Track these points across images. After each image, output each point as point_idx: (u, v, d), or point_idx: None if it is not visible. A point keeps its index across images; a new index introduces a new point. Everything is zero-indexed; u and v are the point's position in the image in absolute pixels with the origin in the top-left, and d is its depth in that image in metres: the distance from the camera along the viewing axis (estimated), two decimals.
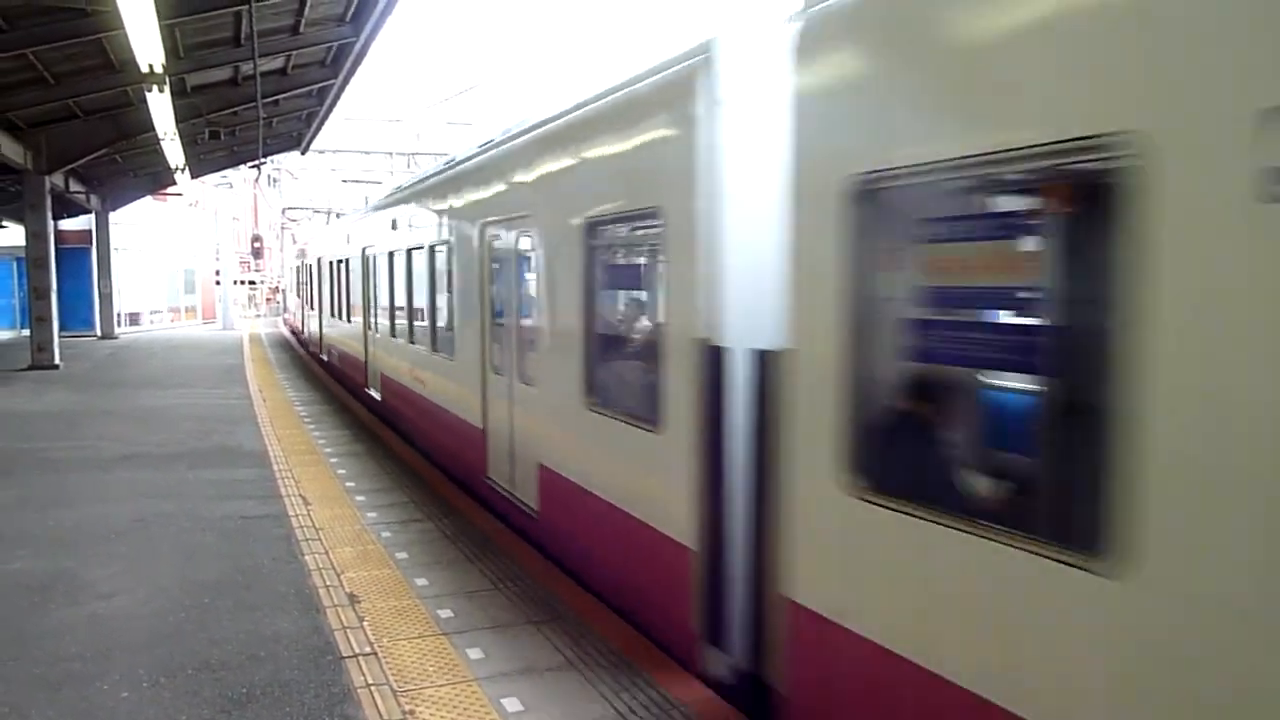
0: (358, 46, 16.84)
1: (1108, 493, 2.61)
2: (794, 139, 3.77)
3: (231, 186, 37.04)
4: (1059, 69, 2.76)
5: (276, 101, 20.36)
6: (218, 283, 37.84)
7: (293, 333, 29.87)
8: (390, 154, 34.15)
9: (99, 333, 29.17)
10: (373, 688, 4.65)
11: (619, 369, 5.60)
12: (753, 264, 4.29)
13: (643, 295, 5.61)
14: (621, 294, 5.88)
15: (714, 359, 4.45)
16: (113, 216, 29.30)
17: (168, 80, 10.92)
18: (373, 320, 13.59)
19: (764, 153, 4.18)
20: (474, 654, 5.04)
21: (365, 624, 5.46)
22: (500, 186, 7.37)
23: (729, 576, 4.57)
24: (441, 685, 4.68)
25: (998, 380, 3.28)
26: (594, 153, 5.60)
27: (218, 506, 8.21)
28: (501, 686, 4.65)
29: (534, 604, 5.78)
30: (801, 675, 3.88)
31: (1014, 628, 2.91)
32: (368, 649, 5.10)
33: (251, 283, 51.01)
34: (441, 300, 9.48)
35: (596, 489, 5.69)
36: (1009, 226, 3.13)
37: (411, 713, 4.40)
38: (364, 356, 14.32)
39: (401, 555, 6.83)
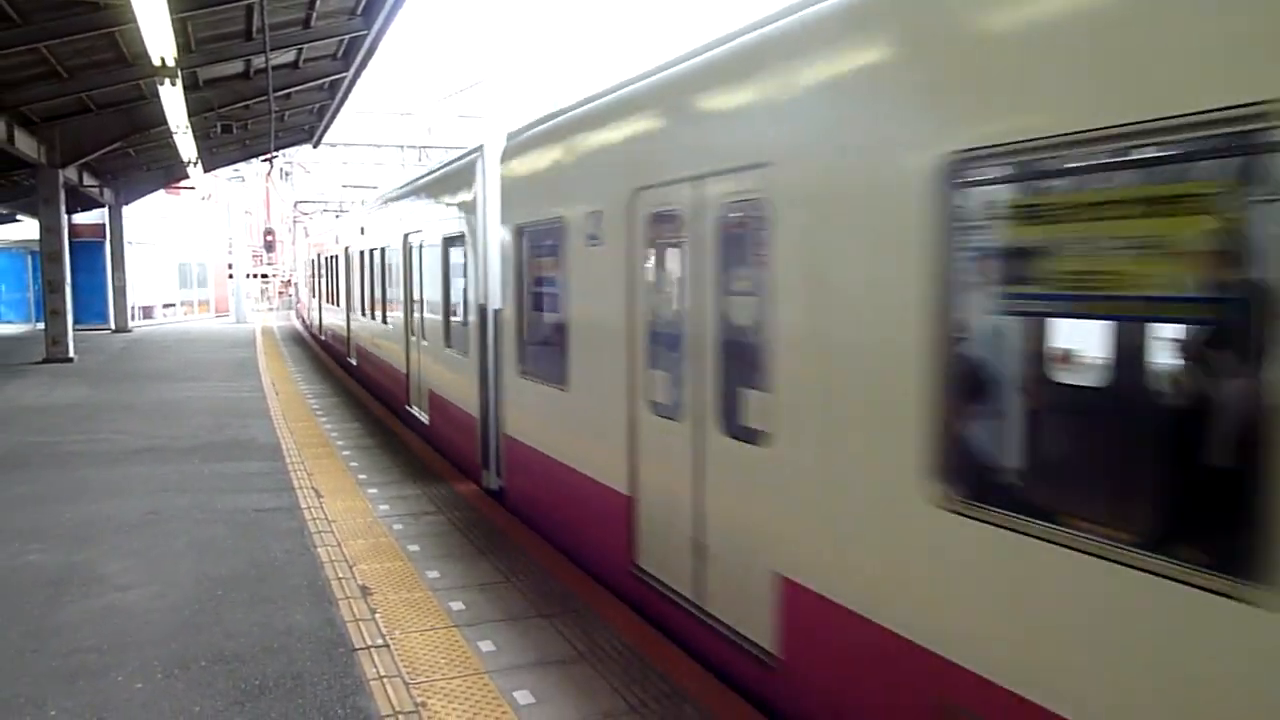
0: (369, 39, 16.84)
1: None
2: (500, 202, 7.67)
3: (244, 180, 36.96)
4: (579, 179, 6.16)
5: (288, 95, 20.38)
6: (230, 276, 37.84)
7: (305, 327, 30.00)
8: (401, 147, 34.17)
9: (113, 326, 29.29)
10: (385, 680, 4.67)
11: (452, 325, 9.60)
12: (497, 267, 8.03)
13: (462, 282, 9.03)
14: (455, 281, 9.42)
15: (484, 314, 8.39)
16: (126, 210, 29.38)
17: (179, 74, 10.94)
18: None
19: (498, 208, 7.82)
20: (485, 646, 5.06)
21: (377, 616, 5.48)
22: (386, 219, 12.83)
23: (490, 429, 8.44)
24: (453, 678, 4.70)
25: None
26: (438, 200, 9.96)
27: (231, 500, 8.25)
28: (513, 679, 4.66)
29: (545, 597, 5.79)
30: (511, 477, 7.72)
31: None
32: (380, 641, 5.12)
33: (264, 276, 50.99)
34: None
35: (446, 395, 9.80)
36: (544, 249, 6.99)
37: (423, 705, 4.41)
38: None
39: (413, 548, 6.85)
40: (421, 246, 10.68)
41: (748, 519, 4.35)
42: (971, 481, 3.24)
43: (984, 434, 3.47)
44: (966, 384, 3.35)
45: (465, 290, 8.80)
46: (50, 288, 19.58)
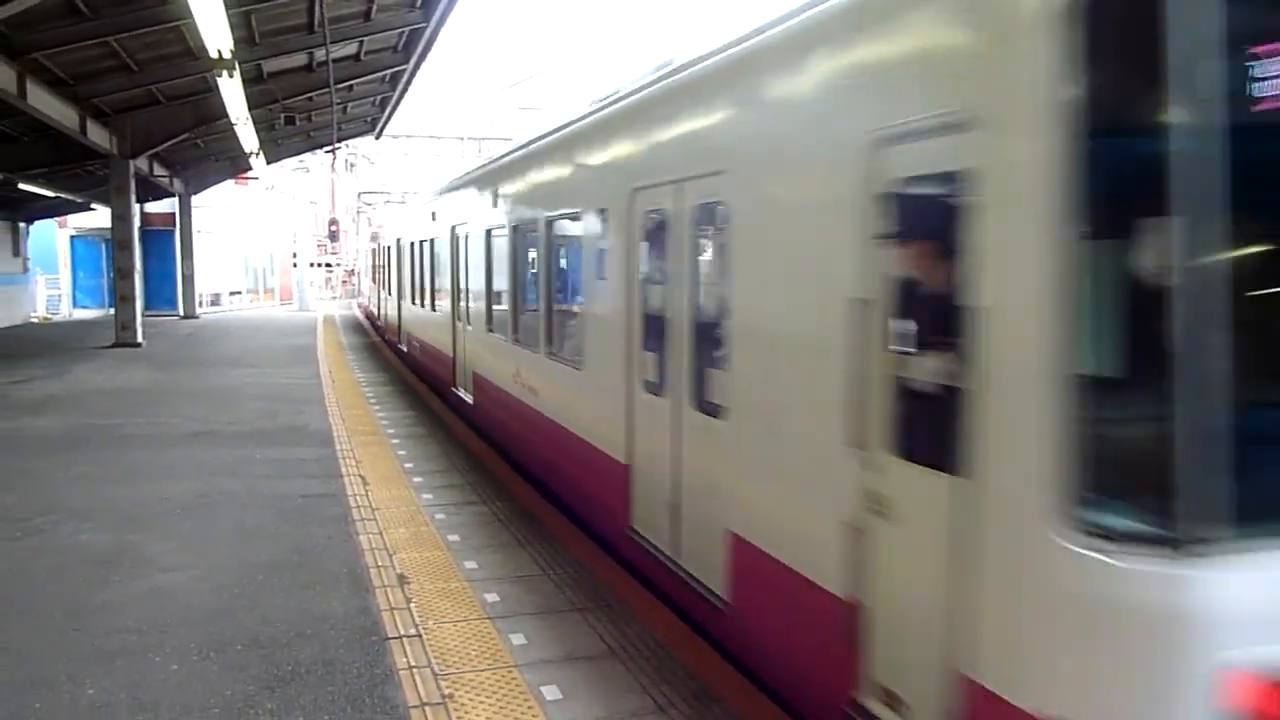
0: (428, 31, 16.97)
1: None
2: None
3: (309, 171, 37.72)
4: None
5: (350, 87, 20.64)
6: (294, 265, 38.50)
7: (365, 316, 30.45)
8: (461, 139, 34.46)
9: (181, 312, 30.05)
10: (414, 670, 4.66)
11: (494, 312, 9.90)
12: None
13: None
14: (497, 270, 9.74)
15: None
16: (195, 200, 30.09)
17: (237, 65, 11.10)
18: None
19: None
20: (517, 639, 5.03)
21: (412, 605, 5.48)
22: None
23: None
24: (482, 670, 4.67)
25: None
26: (481, 195, 10.14)
27: (280, 485, 8.35)
28: (542, 673, 4.62)
29: (581, 590, 5.75)
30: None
31: None
32: (413, 631, 5.12)
33: (328, 265, 51.68)
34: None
35: (488, 376, 10.22)
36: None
37: (450, 696, 4.39)
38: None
39: (453, 537, 6.86)
40: (467, 238, 11.02)
41: (710, 483, 4.84)
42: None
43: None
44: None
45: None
46: (120, 274, 20.11)
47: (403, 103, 23.80)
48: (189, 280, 29.82)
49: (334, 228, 45.97)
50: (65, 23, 13.13)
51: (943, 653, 3.04)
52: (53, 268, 32.86)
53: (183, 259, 29.78)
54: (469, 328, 11.11)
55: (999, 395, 2.77)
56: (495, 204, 9.42)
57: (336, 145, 28.48)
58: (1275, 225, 2.68)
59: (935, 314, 3.07)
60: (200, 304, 31.75)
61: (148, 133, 19.27)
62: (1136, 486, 2.51)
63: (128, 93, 17.39)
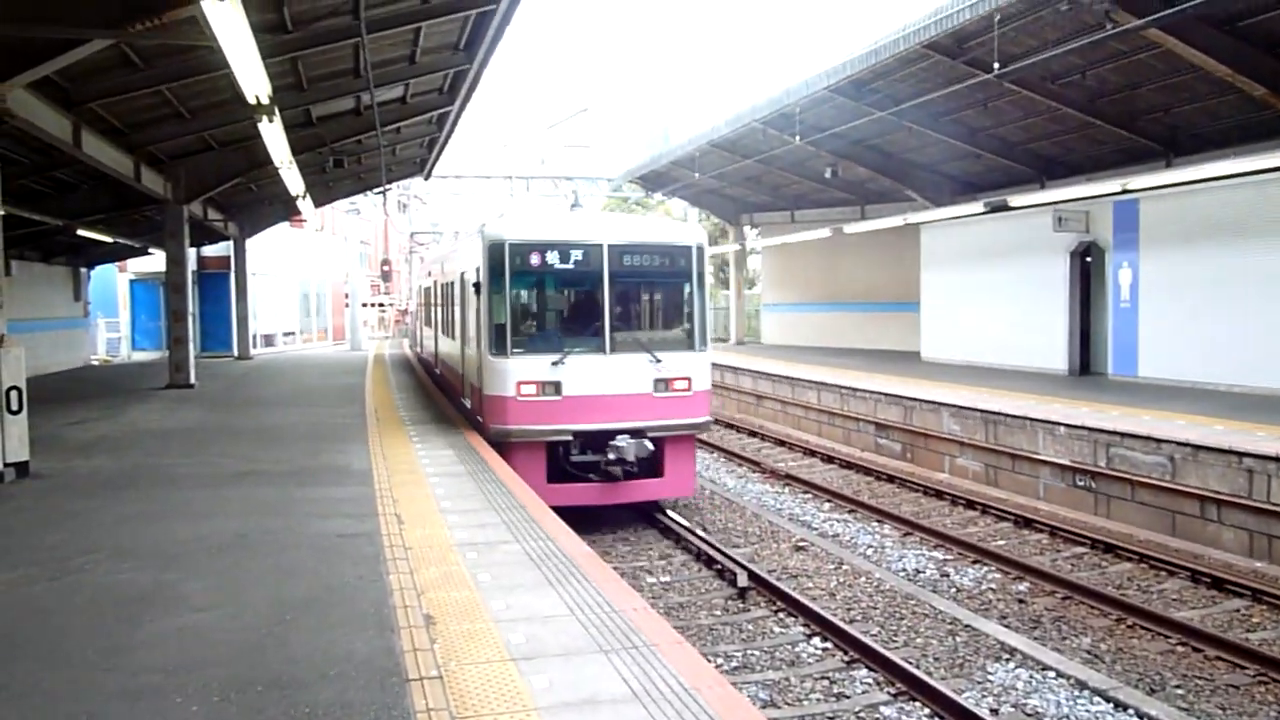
0: (471, 73, 17.27)
1: None
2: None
3: (360, 212, 37.99)
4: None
5: (398, 129, 21.04)
6: (347, 305, 38.90)
7: (415, 354, 30.88)
8: (509, 178, 35.03)
9: (235, 354, 30.55)
10: (432, 713, 4.63)
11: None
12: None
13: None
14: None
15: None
16: (250, 243, 30.73)
17: (278, 111, 11.37)
18: None
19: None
20: (539, 682, 4.98)
21: (436, 646, 5.47)
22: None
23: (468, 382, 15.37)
24: (500, 714, 4.63)
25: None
26: (468, 252, 14.79)
27: (317, 524, 8.42)
28: (560, 717, 4.56)
29: (607, 631, 5.69)
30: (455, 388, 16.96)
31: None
32: (434, 672, 5.10)
33: (381, 305, 52.27)
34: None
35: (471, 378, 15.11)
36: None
37: None
38: None
39: (484, 577, 6.85)
40: (452, 285, 16.84)
41: (465, 369, 14.44)
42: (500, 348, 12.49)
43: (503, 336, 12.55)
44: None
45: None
46: (174, 317, 20.61)
47: (450, 143, 24.18)
48: (243, 322, 30.36)
49: (386, 268, 46.86)
50: (119, 73, 13.59)
51: (475, 382, 13.54)
52: (113, 311, 33.83)
53: (237, 301, 30.41)
54: (452, 341, 16.93)
55: (483, 324, 12.68)
56: (444, 268, 18.53)
57: (387, 186, 29.11)
58: (526, 299, 13.00)
59: (476, 313, 13.25)
60: (254, 345, 32.27)
61: (200, 177, 19.82)
62: (501, 345, 12.31)
63: (180, 140, 17.92)
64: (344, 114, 19.13)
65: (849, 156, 23.94)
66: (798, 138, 21.92)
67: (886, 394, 18.04)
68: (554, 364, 12.26)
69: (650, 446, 12.25)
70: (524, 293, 12.80)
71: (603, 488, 12.43)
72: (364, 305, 42.28)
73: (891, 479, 15.72)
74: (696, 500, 14.40)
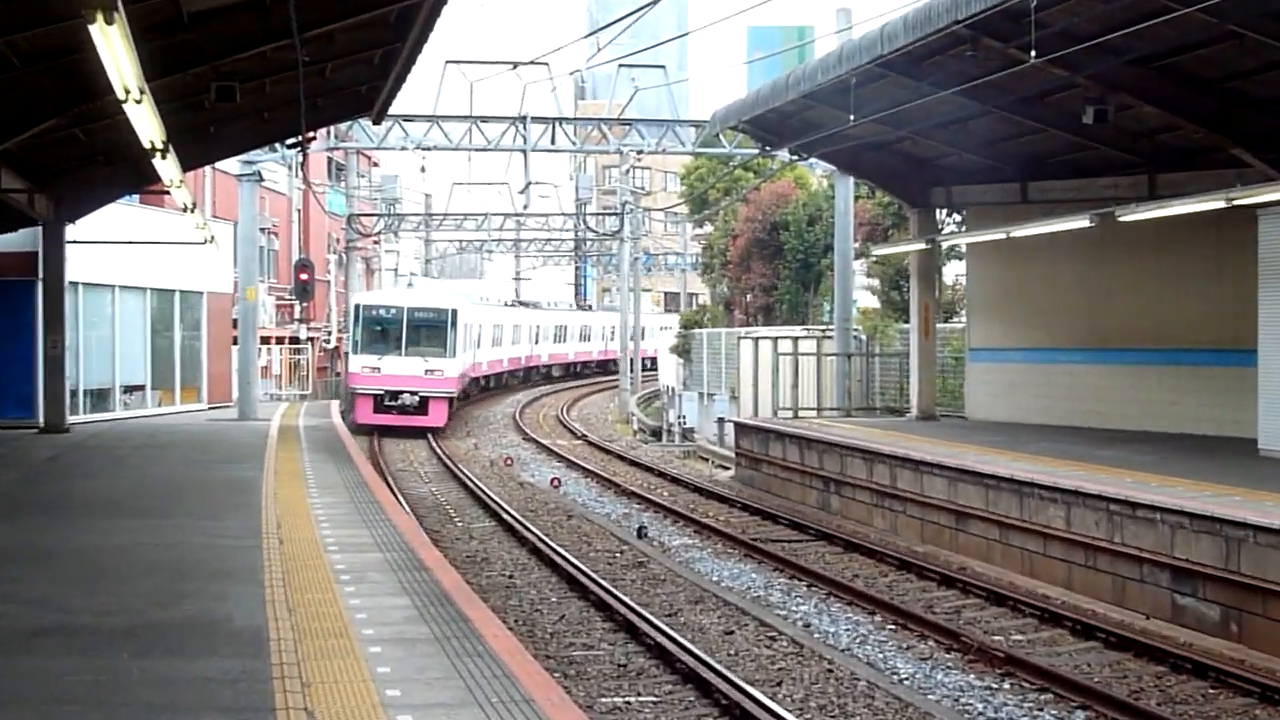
0: None
1: None
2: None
3: (260, 180, 24.55)
4: None
5: (329, 36, 13.17)
6: (234, 343, 25.72)
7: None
8: (522, 121, 24.31)
9: (41, 422, 19.07)
10: None
11: None
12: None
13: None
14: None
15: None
16: (73, 230, 19.00)
17: (119, 3, 6.19)
18: None
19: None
20: None
21: None
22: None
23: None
24: None
25: None
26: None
27: None
28: None
29: None
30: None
31: None
32: None
33: (295, 340, 36.50)
34: None
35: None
36: None
37: None
38: None
39: None
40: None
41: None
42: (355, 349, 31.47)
43: None
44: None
45: None
46: None
47: (423, 55, 13.41)
48: (56, 366, 18.64)
49: (304, 277, 29.03)
50: None
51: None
52: None
53: (47, 329, 18.53)
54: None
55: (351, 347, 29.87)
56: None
57: (309, 136, 18.11)
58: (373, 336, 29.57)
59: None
60: (76, 407, 20.67)
61: None
62: (355, 349, 29.94)
63: None
64: (237, 8, 11.99)
65: (1127, 87, 13.96)
66: (1033, 52, 12.19)
67: (1194, 515, 10.29)
68: (378, 358, 28.76)
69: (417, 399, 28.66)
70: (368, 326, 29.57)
71: (397, 417, 28.67)
72: (266, 342, 30.86)
73: (1203, 672, 8.94)
74: None
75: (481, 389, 43.79)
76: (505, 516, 16.36)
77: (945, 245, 22.95)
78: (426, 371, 29.19)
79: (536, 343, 51.51)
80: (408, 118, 24.53)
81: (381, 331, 29.46)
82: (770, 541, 14.62)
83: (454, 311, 30.14)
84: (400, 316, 29.62)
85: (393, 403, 28.78)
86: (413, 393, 28.82)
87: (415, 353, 29.06)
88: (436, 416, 29.45)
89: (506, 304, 50.33)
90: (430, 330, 29.73)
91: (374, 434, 28.06)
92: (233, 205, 27.48)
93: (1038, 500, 12.28)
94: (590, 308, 66.41)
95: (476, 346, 37.83)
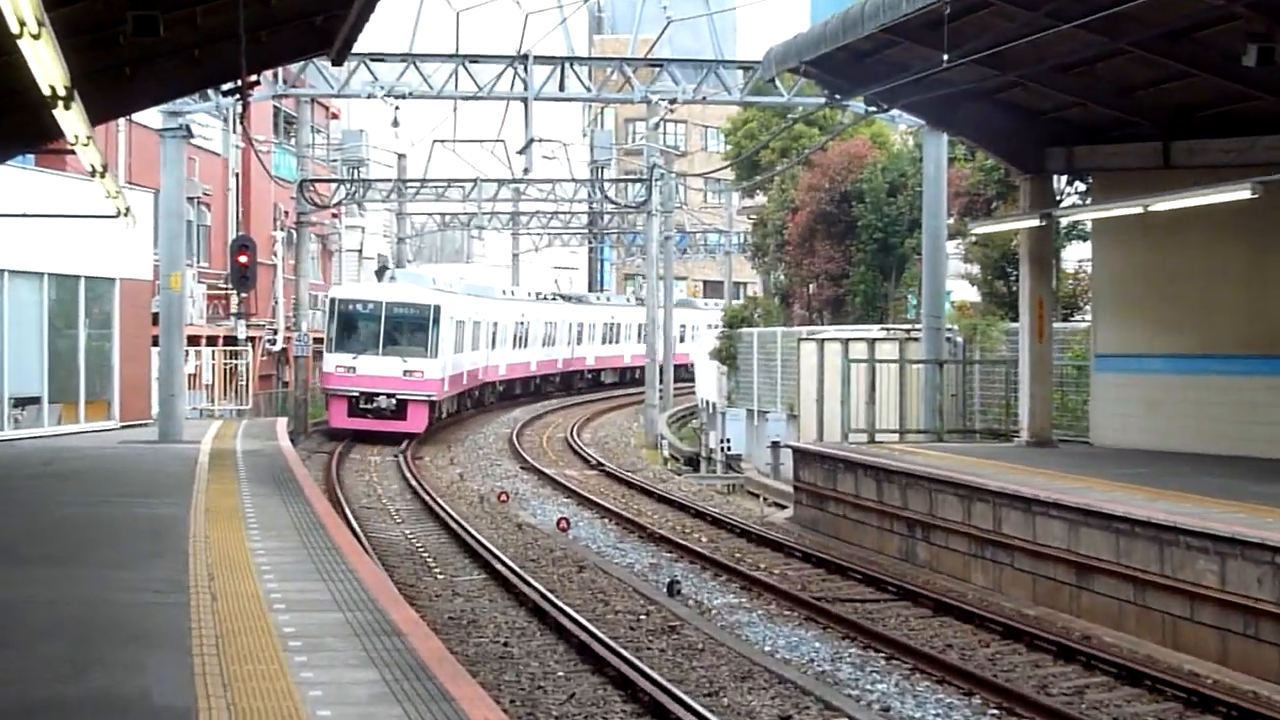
0: None
1: None
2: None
3: (189, 137, 24.46)
4: None
5: None
6: (154, 343, 25.64)
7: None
8: (521, 61, 26.56)
9: None
10: None
11: None
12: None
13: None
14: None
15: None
16: None
17: None
18: None
19: None
20: None
21: None
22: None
23: None
24: None
25: None
26: None
27: None
28: None
29: None
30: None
31: None
32: None
33: (232, 341, 36.48)
34: None
35: None
36: None
37: None
38: None
39: None
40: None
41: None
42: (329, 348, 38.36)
43: None
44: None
45: None
46: None
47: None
48: None
49: (243, 259, 26.35)
50: None
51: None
52: None
53: None
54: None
55: (325, 345, 36.36)
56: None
57: (251, 80, 18.34)
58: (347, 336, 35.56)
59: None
60: None
61: None
62: (329, 347, 36.35)
63: None
64: None
65: None
66: None
67: None
68: (353, 357, 33.97)
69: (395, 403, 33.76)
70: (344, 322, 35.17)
71: (373, 421, 33.31)
72: (194, 343, 30.89)
73: None
74: None
75: (500, 395, 46.05)
76: (499, 567, 16.57)
77: (1065, 222, 23.10)
78: (405, 372, 33.04)
79: (579, 342, 54.44)
80: (376, 57, 25.09)
81: (358, 328, 34.19)
82: (839, 601, 14.78)
83: (436, 308, 34.34)
84: (378, 312, 33.93)
85: (368, 406, 33.00)
86: (389, 395, 32.86)
87: (393, 352, 33.34)
88: (415, 422, 33.63)
89: (540, 297, 52.93)
90: (410, 327, 34.32)
91: (333, 459, 28.43)
92: (154, 169, 27.05)
93: (1184, 550, 12.45)
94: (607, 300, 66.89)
95: (485, 346, 40.64)
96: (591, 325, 58.37)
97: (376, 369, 33.06)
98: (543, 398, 52.14)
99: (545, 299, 55.03)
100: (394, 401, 32.98)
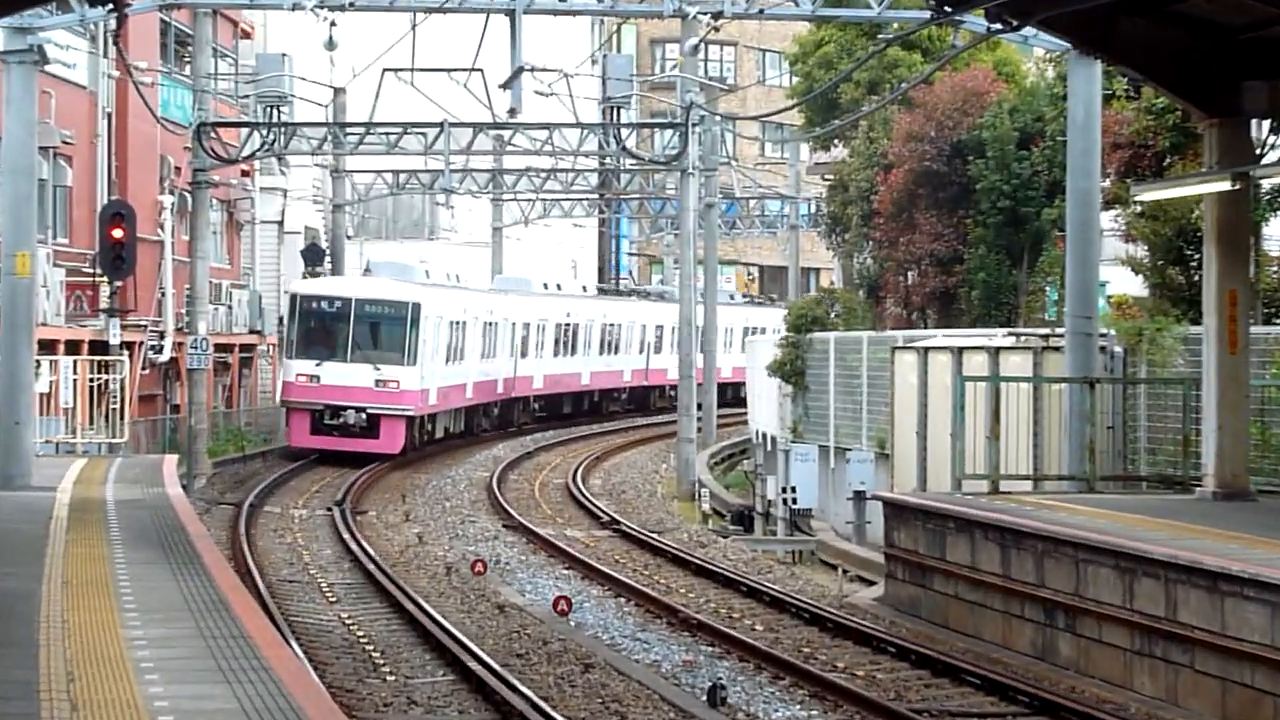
0: None
1: None
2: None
3: (43, 63, 24.68)
4: None
5: None
6: None
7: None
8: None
9: None
10: None
11: None
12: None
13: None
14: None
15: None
16: None
17: None
18: None
19: None
20: None
21: None
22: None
23: None
24: None
25: None
26: None
27: None
28: None
29: None
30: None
31: None
32: None
33: (101, 347, 35.84)
34: None
35: None
36: None
37: None
38: None
39: None
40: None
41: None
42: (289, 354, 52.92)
43: None
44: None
45: None
46: None
47: None
48: None
49: (118, 230, 29.45)
50: None
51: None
52: None
53: None
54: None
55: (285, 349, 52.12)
56: None
57: None
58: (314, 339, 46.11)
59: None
60: None
61: None
62: (290, 352, 49.39)
63: None
64: None
65: None
66: None
67: None
68: (316, 365, 42.12)
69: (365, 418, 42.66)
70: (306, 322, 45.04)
71: (340, 439, 40.04)
72: (49, 349, 31.23)
73: None
74: None
75: (538, 415, 49.47)
76: (472, 665, 16.55)
77: (1268, 185, 22.70)
78: (377, 382, 37.54)
79: (656, 351, 57.39)
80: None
81: (323, 330, 38.43)
82: (948, 715, 14.91)
83: (415, 305, 37.58)
84: (346, 310, 37.75)
85: (334, 421, 37.85)
86: (358, 409, 37.53)
87: (363, 358, 38.15)
88: (389, 441, 37.53)
89: (607, 293, 56.39)
90: (384, 329, 38.40)
91: (241, 513, 28.37)
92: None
93: None
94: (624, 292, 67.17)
95: (505, 353, 44.21)
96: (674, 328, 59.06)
97: (343, 378, 37.28)
98: (569, 422, 52.77)
99: (618, 295, 56.29)
100: (364, 416, 36.95)
